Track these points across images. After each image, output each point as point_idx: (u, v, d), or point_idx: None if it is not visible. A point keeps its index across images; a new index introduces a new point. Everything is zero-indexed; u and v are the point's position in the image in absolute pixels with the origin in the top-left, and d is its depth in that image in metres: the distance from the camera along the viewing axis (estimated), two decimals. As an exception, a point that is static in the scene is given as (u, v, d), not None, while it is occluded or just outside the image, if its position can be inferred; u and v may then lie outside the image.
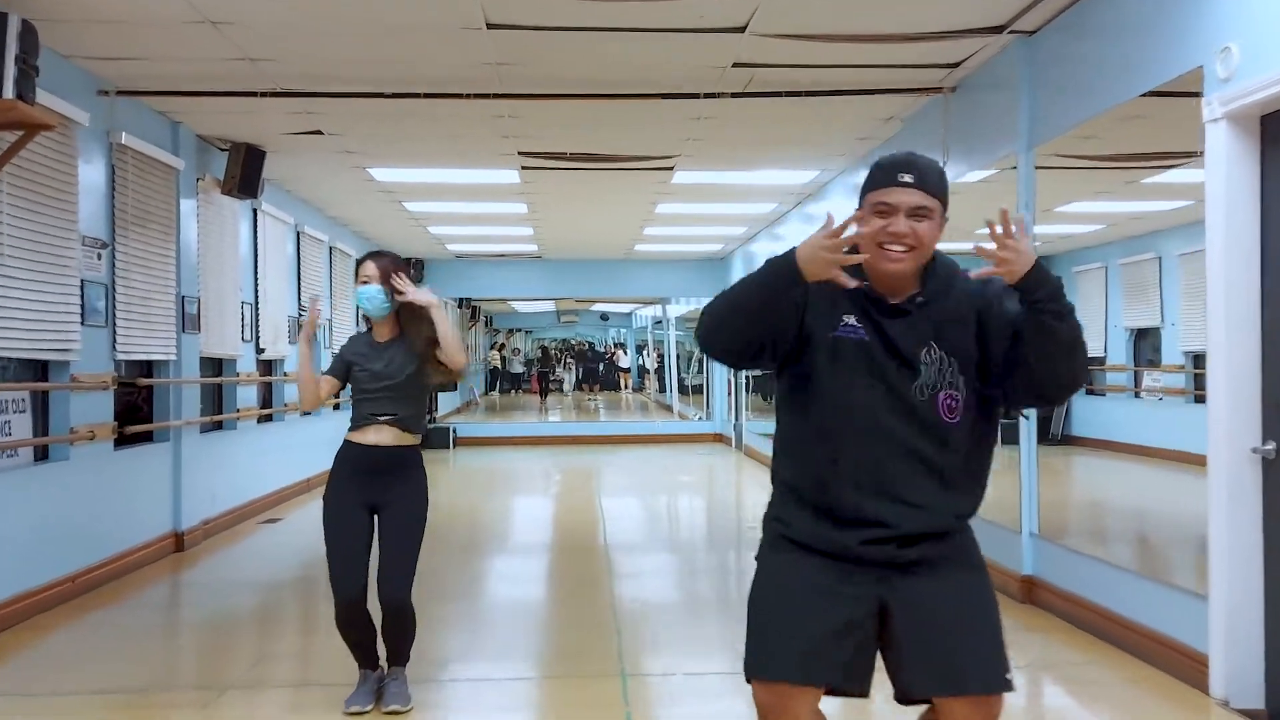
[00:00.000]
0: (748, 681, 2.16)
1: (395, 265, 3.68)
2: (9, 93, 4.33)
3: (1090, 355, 8.16)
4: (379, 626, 3.74)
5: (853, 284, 2.08)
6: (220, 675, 4.31)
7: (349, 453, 3.69)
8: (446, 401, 17.85)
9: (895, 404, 2.13)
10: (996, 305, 2.16)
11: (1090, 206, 7.59)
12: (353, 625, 3.70)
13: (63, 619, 5.07)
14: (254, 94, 5.92)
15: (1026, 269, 2.01)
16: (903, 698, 2.17)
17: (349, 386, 3.76)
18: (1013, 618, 4.96)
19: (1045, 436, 6.71)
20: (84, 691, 4.04)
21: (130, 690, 4.04)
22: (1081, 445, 7.25)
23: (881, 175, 2.15)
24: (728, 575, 6.51)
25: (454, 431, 14.87)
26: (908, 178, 2.13)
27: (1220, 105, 3.72)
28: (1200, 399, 8.83)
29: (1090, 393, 9.62)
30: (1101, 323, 9.54)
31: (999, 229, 2.03)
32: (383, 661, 3.80)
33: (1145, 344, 9.96)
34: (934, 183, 2.13)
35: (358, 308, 3.75)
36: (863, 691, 2.14)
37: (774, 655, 2.13)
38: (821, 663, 2.09)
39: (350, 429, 3.71)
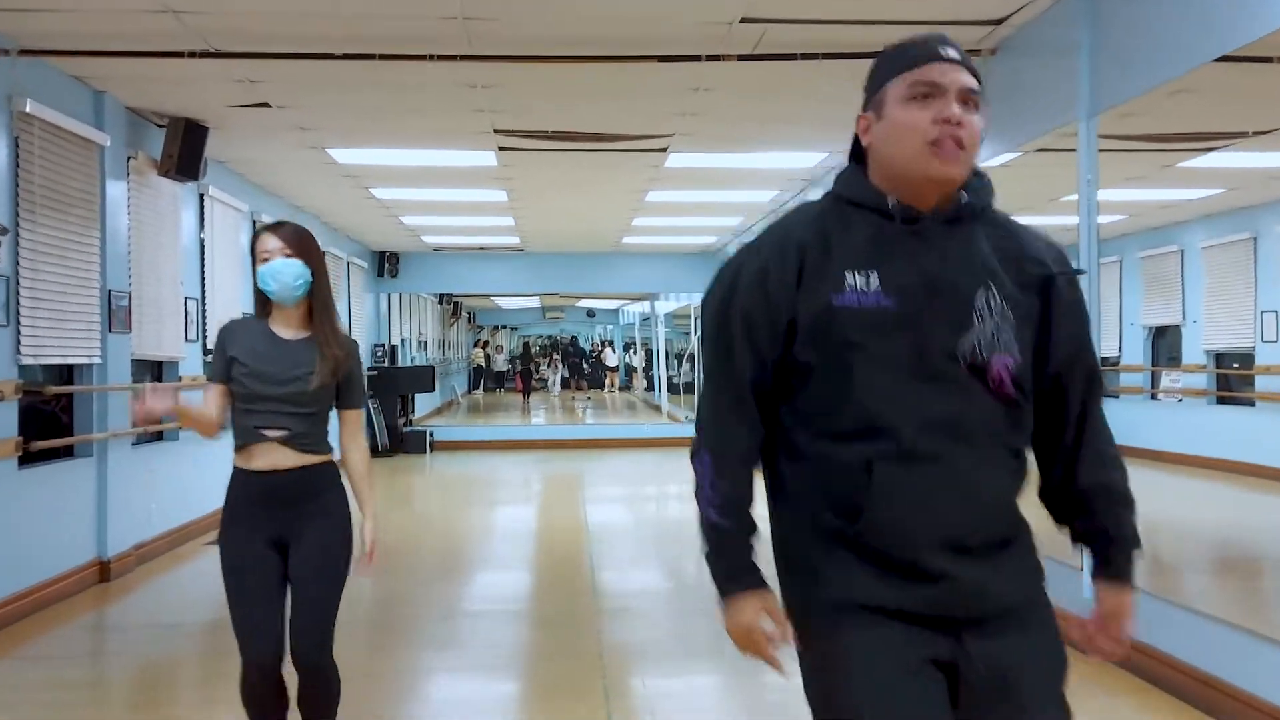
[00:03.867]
0: None
1: (307, 237, 2.88)
2: None
3: (1103, 355, 7.22)
4: (294, 696, 2.94)
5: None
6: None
7: (241, 483, 2.85)
8: (424, 402, 17.01)
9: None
10: (1067, 290, 1.63)
11: (1116, 195, 6.91)
12: (262, 696, 2.89)
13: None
14: (180, 54, 5.07)
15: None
16: None
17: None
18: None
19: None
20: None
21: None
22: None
23: (917, 51, 1.56)
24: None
25: (431, 435, 14.03)
26: (952, 52, 1.55)
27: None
28: (1224, 400, 8.17)
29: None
30: (1116, 320, 8.83)
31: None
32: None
33: (1163, 343, 9.24)
34: (965, 60, 1.57)
35: (257, 291, 2.89)
36: None
37: None
38: None
39: (236, 450, 2.86)
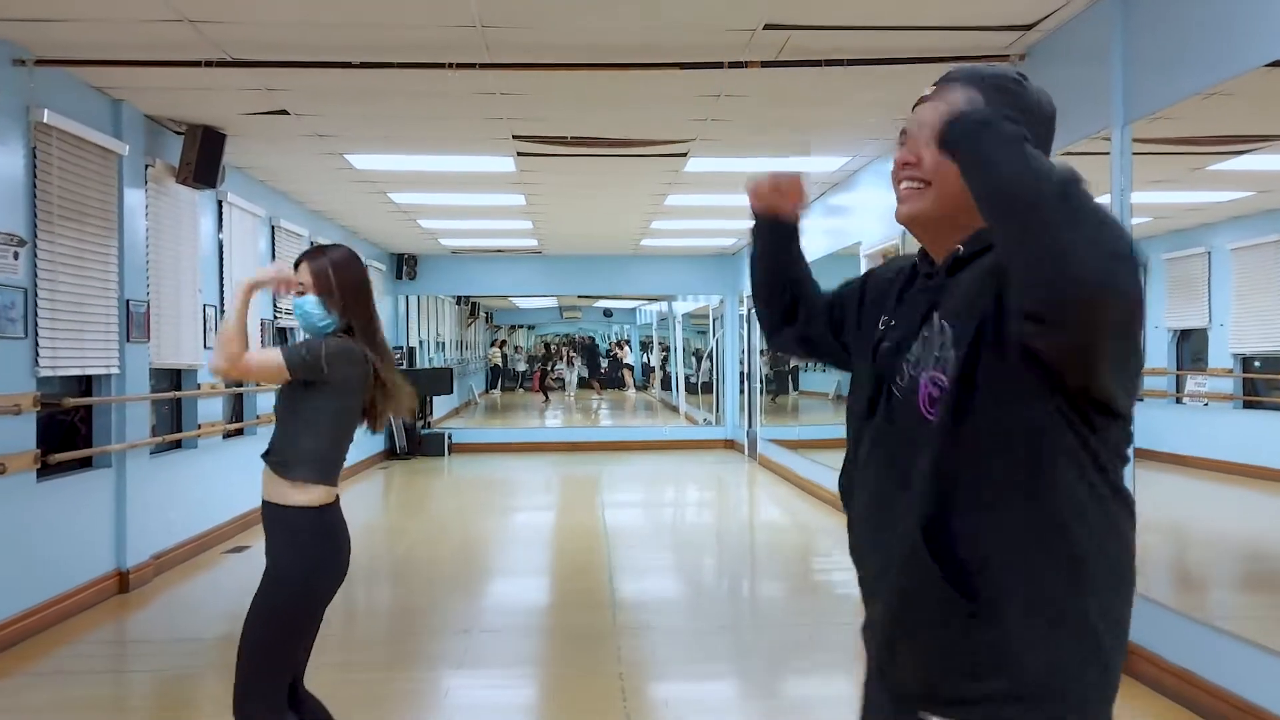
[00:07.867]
0: None
1: (336, 266, 2.85)
2: None
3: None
4: None
5: None
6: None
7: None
8: (443, 404, 16.97)
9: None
10: None
11: (1142, 198, 6.78)
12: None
13: (-38, 692, 4.21)
14: (197, 64, 5.03)
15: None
16: None
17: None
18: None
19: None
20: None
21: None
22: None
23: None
24: (741, 615, 5.65)
25: (449, 438, 13.99)
26: (929, 90, 1.47)
27: None
28: (1251, 404, 8.02)
29: (1126, 397, 8.80)
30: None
31: None
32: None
33: (1187, 346, 9.08)
34: (965, 75, 1.44)
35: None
36: None
37: None
38: None
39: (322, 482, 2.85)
